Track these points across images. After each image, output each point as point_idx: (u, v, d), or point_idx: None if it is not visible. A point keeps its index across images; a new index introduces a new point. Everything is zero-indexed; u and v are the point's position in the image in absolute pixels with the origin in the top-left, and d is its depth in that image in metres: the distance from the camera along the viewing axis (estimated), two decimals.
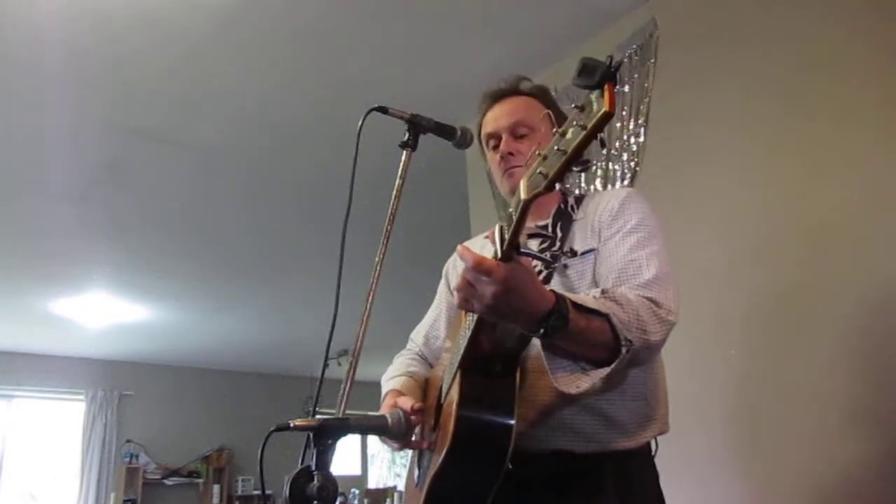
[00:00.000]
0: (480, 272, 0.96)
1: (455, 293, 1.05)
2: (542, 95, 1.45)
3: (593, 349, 1.08)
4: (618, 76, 0.82)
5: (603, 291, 1.13)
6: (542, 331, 1.02)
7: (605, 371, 1.07)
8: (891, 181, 1.89)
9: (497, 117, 1.43)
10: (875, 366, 1.85)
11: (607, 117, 0.78)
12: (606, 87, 0.78)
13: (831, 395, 1.92)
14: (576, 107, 0.83)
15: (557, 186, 0.86)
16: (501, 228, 0.96)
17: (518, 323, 1.04)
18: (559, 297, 1.04)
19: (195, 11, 2.76)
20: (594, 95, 0.80)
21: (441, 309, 1.59)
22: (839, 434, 1.89)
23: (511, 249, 0.95)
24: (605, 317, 1.06)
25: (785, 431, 2.03)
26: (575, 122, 0.82)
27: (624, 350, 1.07)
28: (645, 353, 1.13)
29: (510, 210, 0.94)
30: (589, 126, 0.79)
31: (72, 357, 8.11)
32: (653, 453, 1.30)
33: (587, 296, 1.12)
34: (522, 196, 0.88)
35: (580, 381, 1.07)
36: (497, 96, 1.45)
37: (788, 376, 2.05)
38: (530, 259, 1.13)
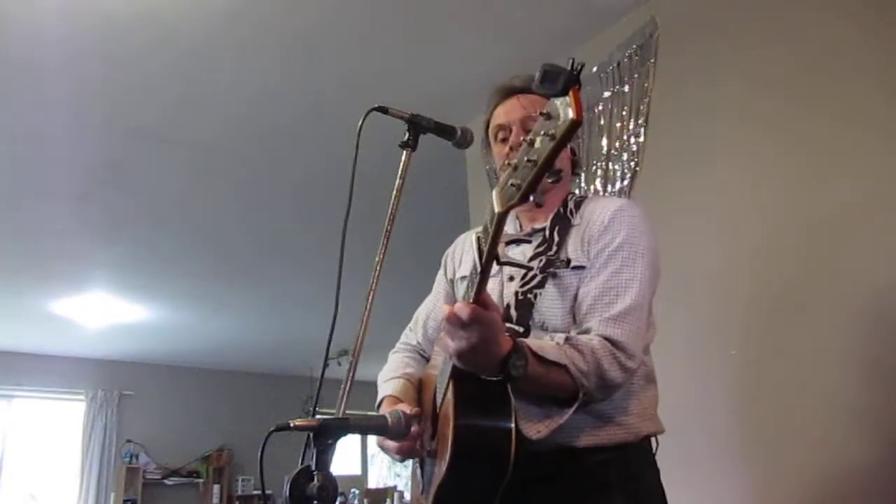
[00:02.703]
0: (471, 320, 1.01)
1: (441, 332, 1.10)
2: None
3: (554, 391, 1.15)
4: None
5: (567, 339, 1.16)
6: (502, 375, 1.07)
7: (566, 415, 1.15)
8: (894, 179, 1.89)
9: (509, 111, 1.42)
10: (877, 366, 1.85)
11: (575, 125, 0.76)
12: (571, 92, 0.76)
13: (833, 395, 1.92)
14: (542, 114, 0.80)
15: (532, 198, 0.84)
16: (479, 240, 0.96)
17: (484, 366, 1.07)
18: (517, 343, 1.08)
19: (195, 11, 2.76)
20: (560, 102, 0.77)
21: (439, 297, 1.59)
22: (841, 434, 1.88)
23: (490, 261, 0.95)
24: (565, 367, 1.11)
25: (786, 432, 2.03)
26: (543, 132, 0.79)
27: (581, 394, 1.13)
28: (601, 393, 1.18)
29: (486, 222, 0.94)
30: (558, 136, 0.77)
31: (72, 357, 8.10)
32: (653, 451, 1.31)
33: (550, 343, 1.16)
34: (496, 209, 0.87)
35: (540, 427, 1.15)
36: (510, 92, 1.44)
37: (789, 376, 2.05)
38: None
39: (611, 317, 1.20)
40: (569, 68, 0.77)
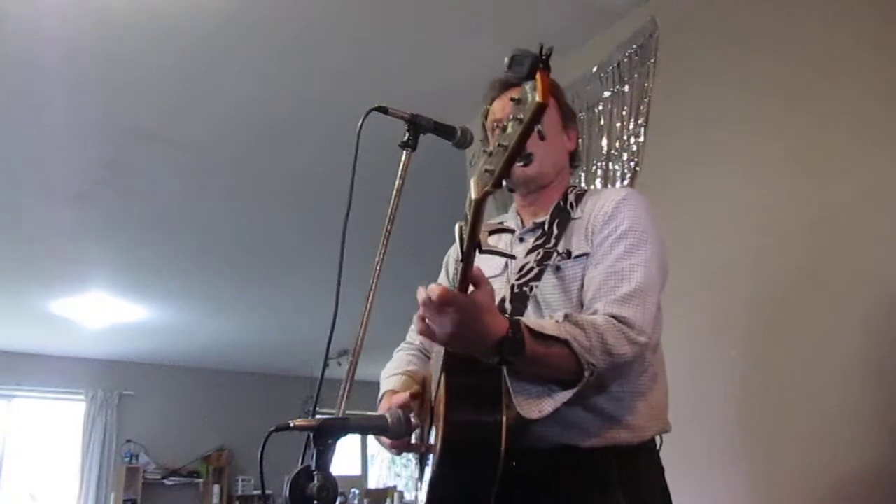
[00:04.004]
0: (443, 302, 0.98)
1: (417, 320, 1.05)
2: (551, 88, 1.44)
3: (557, 373, 1.10)
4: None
5: (566, 316, 1.13)
6: (497, 358, 1.04)
7: (570, 393, 1.10)
8: (894, 179, 1.89)
9: (505, 105, 1.41)
10: (880, 366, 1.85)
11: (541, 108, 0.77)
12: (539, 76, 0.77)
13: (835, 396, 1.92)
14: (512, 100, 0.82)
15: (505, 183, 0.86)
16: (461, 228, 0.96)
17: (476, 350, 1.05)
18: (514, 324, 1.05)
19: (195, 11, 2.76)
20: (528, 86, 0.78)
21: None
22: (843, 435, 1.88)
23: (472, 248, 0.94)
24: (565, 342, 1.08)
25: (788, 432, 2.03)
26: (513, 116, 0.81)
27: (587, 373, 1.09)
28: (613, 373, 1.14)
29: (465, 210, 0.94)
30: (525, 119, 0.78)
31: (72, 357, 8.11)
32: (657, 447, 1.31)
33: (549, 321, 1.13)
34: (473, 195, 0.87)
35: (543, 405, 1.10)
36: (507, 84, 1.44)
37: (791, 377, 2.05)
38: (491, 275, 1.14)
39: (615, 298, 1.18)
40: (535, 54, 0.78)
